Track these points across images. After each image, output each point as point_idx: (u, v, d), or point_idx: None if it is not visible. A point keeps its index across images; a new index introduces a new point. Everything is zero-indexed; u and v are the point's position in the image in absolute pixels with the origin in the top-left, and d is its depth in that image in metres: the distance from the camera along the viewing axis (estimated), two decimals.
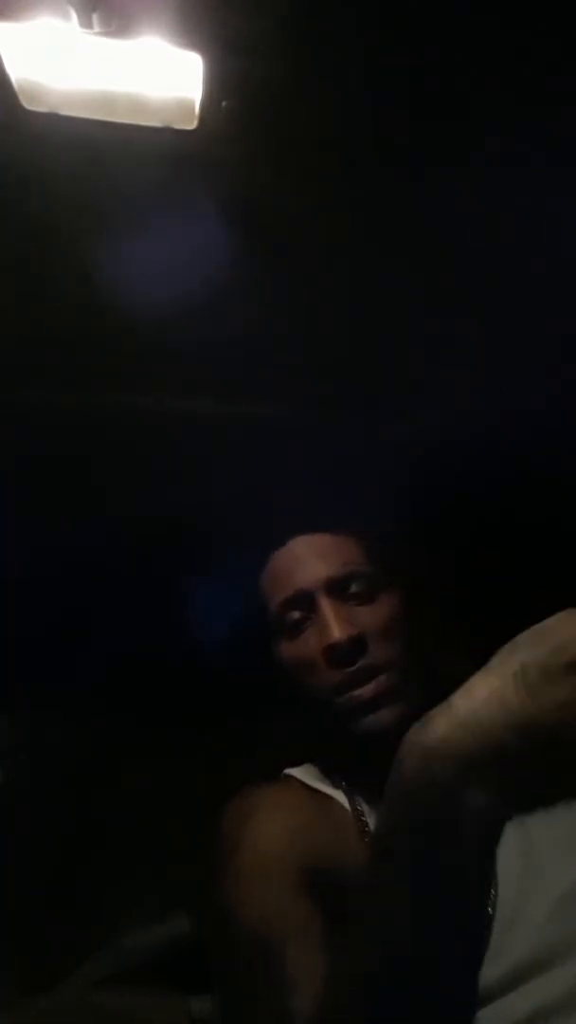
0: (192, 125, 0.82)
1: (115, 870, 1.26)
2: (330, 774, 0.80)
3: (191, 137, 0.83)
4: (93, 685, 1.33)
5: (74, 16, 0.71)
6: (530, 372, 1.19)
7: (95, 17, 0.71)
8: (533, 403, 1.23)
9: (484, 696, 0.46)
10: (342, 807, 0.76)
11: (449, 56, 0.79)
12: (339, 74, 0.81)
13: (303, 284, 1.08)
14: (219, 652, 0.91)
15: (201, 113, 0.81)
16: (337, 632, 0.75)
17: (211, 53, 0.76)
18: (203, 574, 0.95)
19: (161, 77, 0.77)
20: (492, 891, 0.65)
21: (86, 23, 0.71)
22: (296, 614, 0.79)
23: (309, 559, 0.81)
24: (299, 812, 0.74)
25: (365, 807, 0.76)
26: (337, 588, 0.79)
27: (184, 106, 0.80)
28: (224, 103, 0.81)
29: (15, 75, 0.77)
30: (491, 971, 0.61)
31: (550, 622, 0.49)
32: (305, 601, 0.79)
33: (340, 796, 0.77)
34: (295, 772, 0.82)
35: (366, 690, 0.74)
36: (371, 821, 0.74)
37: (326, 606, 0.77)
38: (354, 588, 0.79)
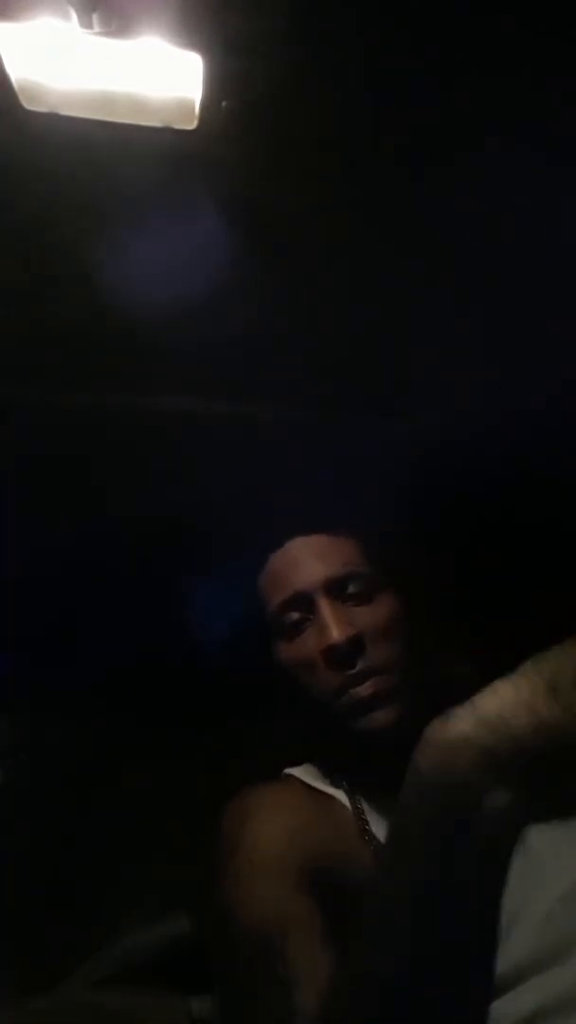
0: (192, 125, 0.82)
1: (115, 870, 1.26)
2: (330, 774, 0.80)
3: (191, 137, 0.83)
4: (93, 685, 1.33)
5: (74, 16, 0.71)
6: (530, 372, 1.19)
7: (95, 17, 0.71)
8: (533, 403, 1.23)
9: (511, 698, 0.48)
10: (342, 806, 0.76)
11: (449, 56, 0.79)
12: (339, 74, 0.81)
13: (303, 284, 1.08)
14: (219, 652, 0.91)
15: (201, 113, 0.81)
16: (336, 633, 0.75)
17: (211, 53, 0.76)
18: (203, 574, 0.95)
19: (161, 77, 0.78)
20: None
21: (86, 23, 0.71)
22: (295, 615, 0.79)
23: (308, 560, 0.81)
24: (299, 812, 0.74)
25: (365, 806, 0.76)
26: (336, 589, 0.79)
27: (184, 106, 0.80)
28: (224, 103, 0.81)
29: (15, 75, 0.77)
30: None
31: None
32: (304, 602, 0.79)
33: (340, 795, 0.77)
34: (295, 772, 0.82)
35: (365, 689, 0.74)
36: (371, 820, 0.74)
37: (325, 607, 0.77)
38: (352, 589, 0.79)
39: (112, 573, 1.31)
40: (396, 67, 0.81)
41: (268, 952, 0.61)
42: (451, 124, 0.87)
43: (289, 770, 0.82)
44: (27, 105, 0.79)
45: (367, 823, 0.74)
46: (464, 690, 0.89)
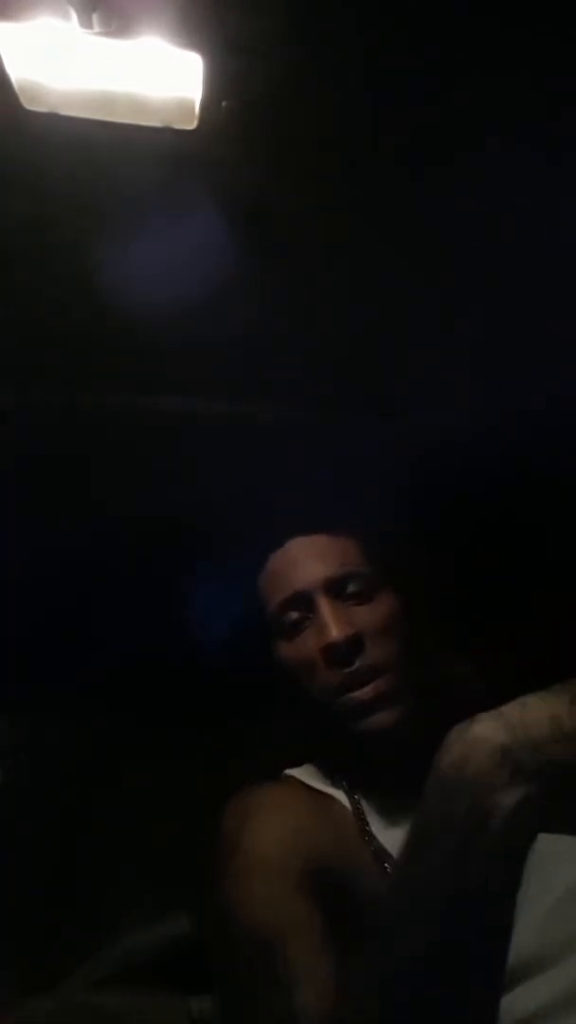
0: (192, 125, 0.82)
1: (115, 870, 1.26)
2: (330, 774, 0.80)
3: (191, 137, 0.83)
4: (93, 685, 1.33)
5: (74, 16, 0.71)
6: (530, 372, 1.19)
7: (95, 17, 0.71)
8: (533, 403, 1.23)
9: (535, 706, 0.50)
10: (342, 806, 0.76)
11: (449, 56, 0.79)
12: (339, 74, 0.81)
13: (303, 284, 1.08)
14: (219, 652, 0.91)
15: (201, 113, 0.81)
16: (335, 632, 0.75)
17: (211, 53, 0.76)
18: (203, 574, 0.95)
19: (161, 77, 0.77)
20: None
21: (86, 23, 0.71)
22: (295, 614, 0.79)
23: (307, 560, 0.81)
24: (299, 812, 0.74)
25: (365, 806, 0.76)
26: (335, 588, 0.79)
27: (184, 106, 0.80)
28: (224, 103, 0.81)
29: (15, 75, 0.77)
30: None
31: None
32: (303, 602, 0.79)
33: (340, 795, 0.77)
34: (295, 772, 0.82)
35: (365, 691, 0.74)
36: (371, 820, 0.75)
37: (324, 606, 0.78)
38: (352, 588, 0.79)
39: (112, 573, 1.30)
40: (396, 67, 0.81)
41: (268, 952, 0.61)
42: (451, 124, 0.86)
43: (289, 771, 0.82)
44: (27, 105, 0.79)
45: (367, 823, 0.74)
46: (464, 690, 0.90)
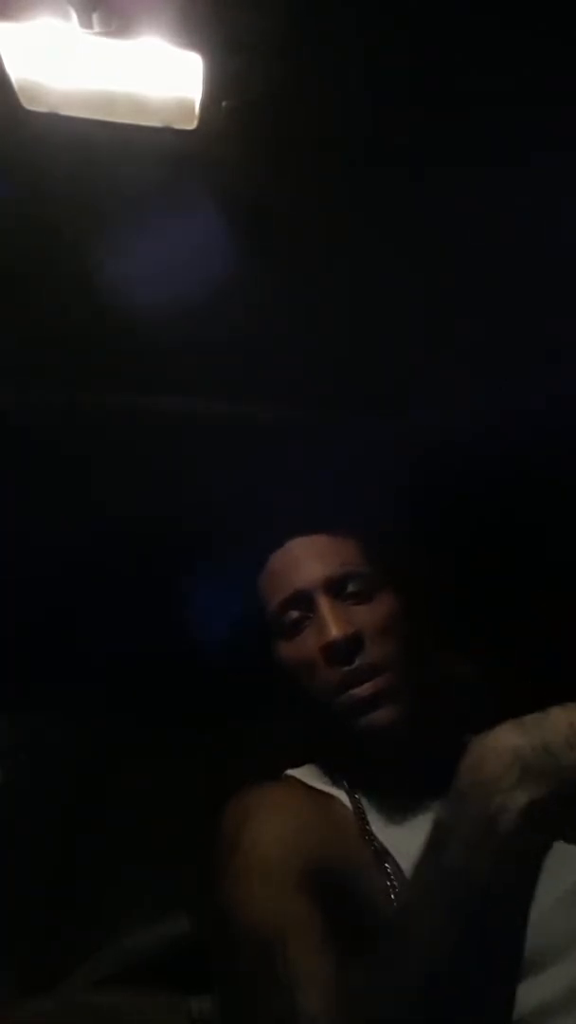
0: (192, 125, 0.82)
1: (115, 870, 1.26)
2: (331, 774, 0.80)
3: (191, 137, 0.83)
4: (93, 685, 1.33)
5: (74, 16, 0.71)
6: (530, 372, 1.19)
7: (95, 17, 0.71)
8: (533, 403, 1.23)
9: (557, 714, 0.51)
10: (342, 805, 0.76)
11: (449, 56, 0.79)
12: (339, 74, 0.81)
13: (303, 284, 1.08)
14: (219, 652, 0.91)
15: (201, 113, 0.81)
16: (335, 630, 0.75)
17: (211, 53, 0.76)
18: (203, 574, 0.95)
19: (161, 77, 0.78)
20: None
21: (86, 23, 0.71)
22: (295, 614, 0.79)
23: (307, 560, 0.81)
24: (299, 811, 0.74)
25: (366, 805, 0.76)
26: (335, 588, 0.79)
27: (184, 106, 0.80)
28: (224, 103, 0.81)
29: (15, 75, 0.77)
30: None
31: None
32: (303, 601, 0.79)
33: (341, 795, 0.77)
34: (296, 773, 0.82)
35: (364, 689, 0.74)
36: (371, 820, 0.74)
37: (324, 605, 0.78)
38: (352, 588, 0.79)
39: (112, 573, 1.31)
40: (396, 67, 0.81)
41: (269, 952, 0.61)
42: (451, 124, 0.86)
43: (290, 771, 0.82)
44: (27, 105, 0.80)
45: (367, 822, 0.74)
46: (464, 690, 0.90)
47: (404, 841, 0.71)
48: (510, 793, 0.48)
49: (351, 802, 0.76)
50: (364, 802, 0.76)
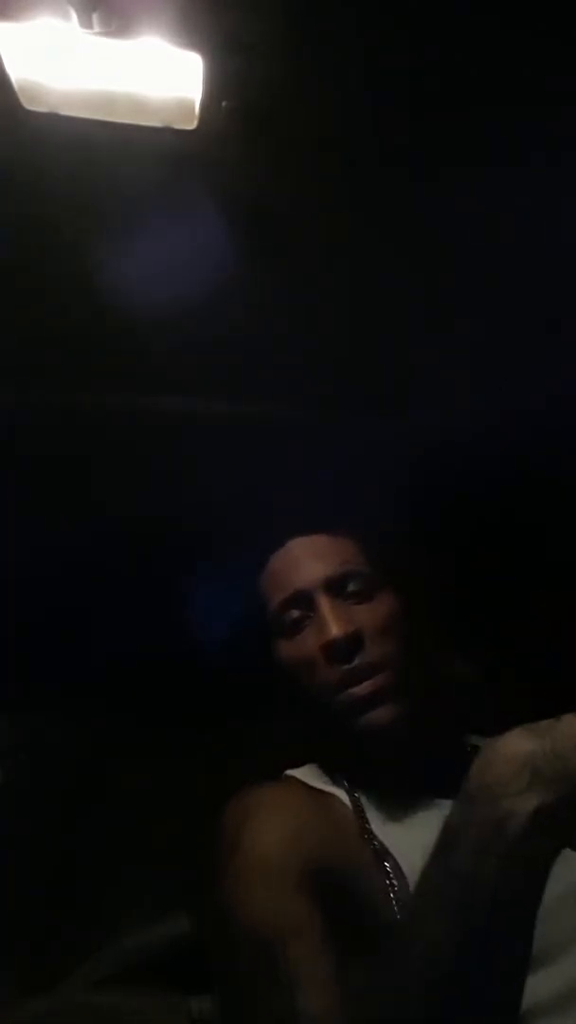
0: (192, 125, 0.82)
1: (115, 870, 1.26)
2: (331, 773, 0.80)
3: (191, 137, 0.83)
4: (93, 685, 1.33)
5: (74, 16, 0.71)
6: (530, 372, 1.19)
7: (95, 17, 0.71)
8: (533, 403, 1.23)
9: (569, 721, 0.51)
10: (342, 804, 0.76)
11: (449, 56, 0.79)
12: (339, 74, 0.81)
13: (303, 284, 1.08)
14: (219, 652, 0.91)
15: (201, 113, 0.81)
16: (335, 629, 0.76)
17: (211, 53, 0.76)
18: (203, 574, 0.95)
19: (161, 77, 0.78)
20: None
21: (86, 23, 0.71)
22: (295, 613, 0.79)
23: (307, 560, 0.81)
24: (299, 811, 0.74)
25: (366, 804, 0.76)
26: (335, 587, 0.79)
27: (184, 106, 0.80)
28: (224, 103, 0.81)
29: (15, 75, 0.77)
30: None
31: None
32: (304, 601, 0.79)
33: (341, 794, 0.77)
34: (296, 773, 0.82)
35: (364, 687, 0.74)
36: (371, 819, 0.74)
37: (324, 604, 0.78)
38: (352, 587, 0.79)
39: (112, 573, 1.31)
40: (396, 67, 0.81)
41: (269, 952, 0.61)
42: (451, 124, 0.86)
43: (290, 771, 0.82)
44: (27, 105, 0.79)
45: (367, 821, 0.74)
46: (464, 690, 0.90)
47: (404, 840, 0.71)
48: (519, 798, 0.48)
49: (351, 801, 0.76)
50: (364, 801, 0.76)
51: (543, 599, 1.32)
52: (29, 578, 1.26)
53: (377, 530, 0.85)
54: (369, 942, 0.61)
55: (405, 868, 0.68)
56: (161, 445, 1.27)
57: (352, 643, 0.75)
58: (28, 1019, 0.93)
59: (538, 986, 0.61)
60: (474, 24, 0.76)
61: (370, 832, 0.73)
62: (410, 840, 0.70)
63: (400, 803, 0.75)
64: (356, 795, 0.77)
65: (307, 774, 0.81)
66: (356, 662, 0.75)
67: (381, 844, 0.72)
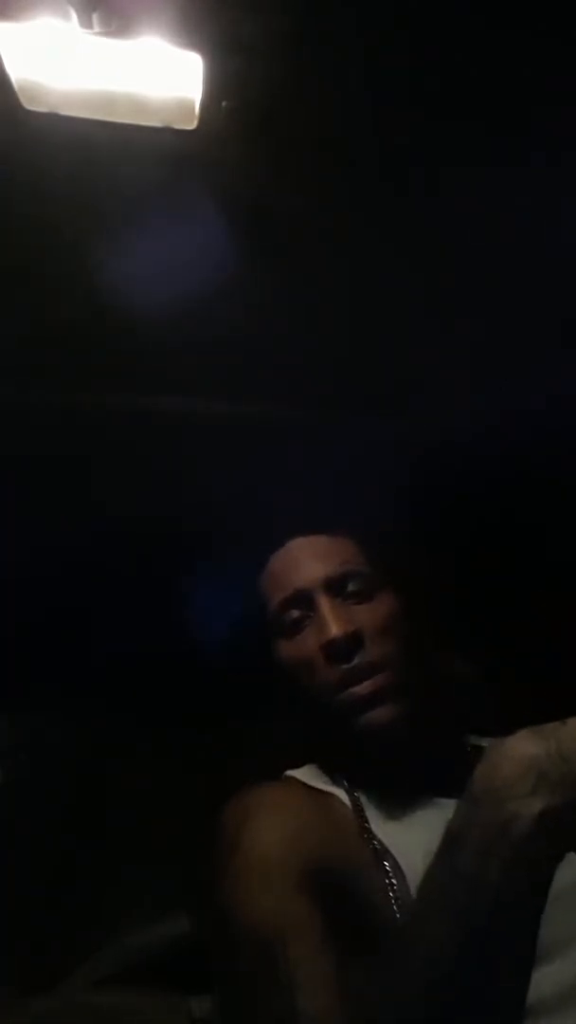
0: (192, 125, 0.82)
1: (115, 870, 1.26)
2: (330, 773, 0.80)
3: (191, 137, 0.83)
4: (93, 685, 1.33)
5: (74, 16, 0.71)
6: (530, 372, 1.19)
7: (95, 17, 0.71)
8: (533, 403, 1.23)
9: (574, 725, 0.51)
10: (342, 804, 0.76)
11: (449, 56, 0.79)
12: (339, 74, 0.81)
13: (303, 284, 1.08)
14: (219, 652, 0.91)
15: (201, 113, 0.81)
16: (335, 628, 0.75)
17: (211, 53, 0.76)
18: (203, 574, 0.95)
19: (161, 77, 0.78)
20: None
21: (86, 23, 0.71)
22: (295, 613, 0.79)
23: (307, 560, 0.81)
24: (299, 811, 0.74)
25: (366, 804, 0.76)
26: (335, 587, 0.79)
27: (184, 106, 0.80)
28: (224, 103, 0.81)
29: (15, 75, 0.77)
30: None
31: None
32: (304, 600, 0.79)
33: (341, 793, 0.77)
34: (296, 774, 0.82)
35: (364, 687, 0.74)
36: (371, 818, 0.74)
37: (324, 604, 0.78)
38: (352, 587, 0.79)
39: (112, 573, 1.31)
40: (396, 67, 0.81)
41: (269, 952, 0.61)
42: (451, 124, 0.87)
43: (289, 772, 0.82)
44: (27, 105, 0.80)
45: (367, 821, 0.74)
46: (464, 690, 0.89)
47: (404, 840, 0.71)
48: (524, 800, 0.48)
49: (350, 801, 0.76)
50: (363, 801, 0.76)
51: (543, 599, 1.32)
52: (29, 578, 1.26)
53: (377, 530, 0.85)
54: (369, 942, 0.61)
55: (405, 867, 0.68)
56: (161, 445, 1.27)
57: (352, 643, 0.75)
58: (28, 1019, 0.93)
59: (540, 983, 0.61)
60: (474, 24, 0.76)
61: (370, 832, 0.73)
62: (410, 840, 0.70)
63: (400, 803, 0.75)
64: (356, 795, 0.77)
65: (307, 774, 0.81)
66: (356, 662, 0.75)
67: (381, 844, 0.72)
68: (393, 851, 0.71)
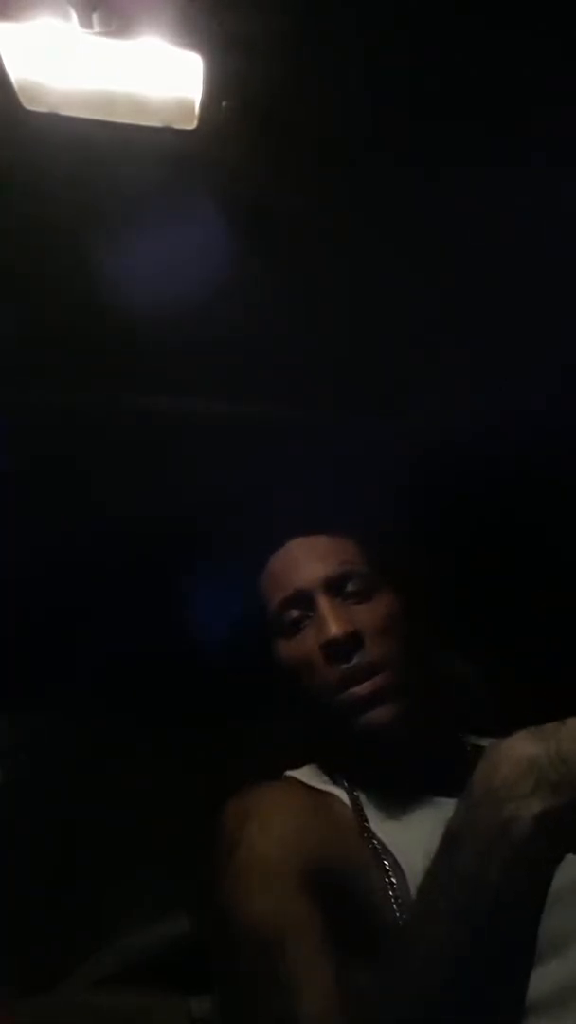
0: (192, 125, 0.82)
1: (115, 870, 1.26)
2: (330, 773, 0.80)
3: (191, 137, 0.83)
4: (93, 685, 1.33)
5: (74, 16, 0.71)
6: (530, 372, 1.19)
7: (95, 17, 0.71)
8: (533, 403, 1.23)
9: (574, 725, 0.50)
10: (342, 804, 0.76)
11: (449, 56, 0.79)
12: (339, 74, 0.81)
13: (303, 284, 1.08)
14: (219, 652, 0.91)
15: (201, 113, 0.81)
16: (334, 628, 0.75)
17: (211, 53, 0.76)
18: (203, 574, 0.95)
19: (161, 77, 0.78)
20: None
21: (86, 23, 0.72)
22: (295, 613, 0.79)
23: (307, 560, 0.81)
24: (299, 811, 0.74)
25: (365, 804, 0.76)
26: (335, 587, 0.79)
27: (184, 106, 0.80)
28: (224, 103, 0.81)
29: (15, 75, 0.77)
30: None
31: None
32: (303, 600, 0.79)
33: (340, 793, 0.77)
34: (296, 774, 0.82)
35: (364, 687, 0.74)
36: (371, 818, 0.74)
37: (324, 604, 0.78)
38: (351, 587, 0.79)
39: (112, 573, 1.31)
40: (396, 67, 0.81)
41: (269, 952, 0.61)
42: (451, 124, 0.87)
43: (289, 772, 0.82)
44: (27, 105, 0.80)
45: (367, 821, 0.74)
46: (464, 690, 0.89)
47: (403, 839, 0.71)
48: (524, 801, 0.48)
49: (350, 801, 0.76)
50: (363, 800, 0.76)
51: (543, 599, 1.32)
52: (29, 578, 1.26)
53: (377, 530, 0.85)
54: (369, 941, 0.61)
55: (404, 867, 0.68)
56: (161, 445, 1.27)
57: (351, 642, 0.75)
58: (28, 1019, 0.93)
59: (539, 982, 0.61)
60: (474, 24, 0.76)
61: (369, 832, 0.73)
62: (409, 839, 0.70)
63: (400, 802, 0.75)
64: (356, 794, 0.77)
65: (307, 774, 0.81)
66: (355, 661, 0.75)
67: (381, 843, 0.72)
68: (393, 851, 0.71)
